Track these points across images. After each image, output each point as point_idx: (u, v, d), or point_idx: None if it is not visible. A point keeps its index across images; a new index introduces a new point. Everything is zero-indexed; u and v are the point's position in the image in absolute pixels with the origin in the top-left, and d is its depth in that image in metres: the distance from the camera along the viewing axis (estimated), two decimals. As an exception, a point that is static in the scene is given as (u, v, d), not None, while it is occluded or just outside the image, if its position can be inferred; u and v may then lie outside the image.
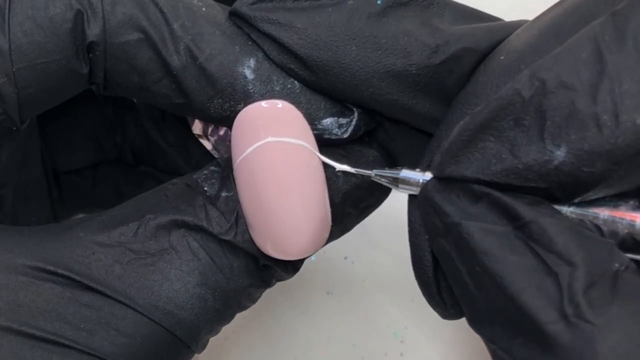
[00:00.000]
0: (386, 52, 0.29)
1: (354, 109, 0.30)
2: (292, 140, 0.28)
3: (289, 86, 0.29)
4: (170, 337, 0.28)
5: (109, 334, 0.27)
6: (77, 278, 0.27)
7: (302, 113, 0.29)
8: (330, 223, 0.30)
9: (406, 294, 0.43)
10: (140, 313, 0.28)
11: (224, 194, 0.29)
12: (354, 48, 0.29)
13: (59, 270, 0.27)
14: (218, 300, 0.29)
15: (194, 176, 0.30)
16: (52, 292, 0.27)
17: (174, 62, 0.28)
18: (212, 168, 0.30)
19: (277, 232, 0.28)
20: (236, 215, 0.29)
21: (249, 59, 0.29)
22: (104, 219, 0.29)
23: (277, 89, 0.29)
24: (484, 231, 0.25)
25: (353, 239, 0.42)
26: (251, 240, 0.29)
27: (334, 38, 0.29)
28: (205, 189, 0.29)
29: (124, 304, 0.28)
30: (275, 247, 0.29)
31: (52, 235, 0.28)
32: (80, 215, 0.38)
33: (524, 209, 0.25)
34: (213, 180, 0.30)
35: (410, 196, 0.29)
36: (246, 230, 0.29)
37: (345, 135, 0.30)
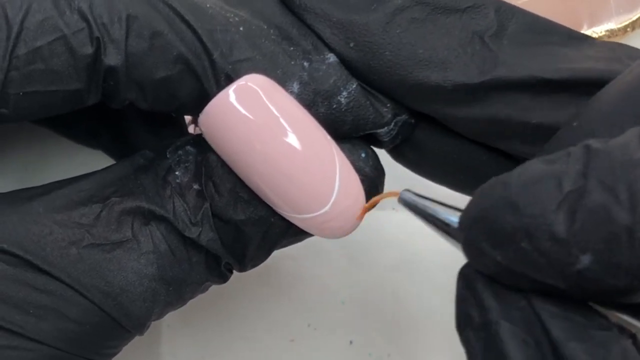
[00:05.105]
0: (420, 63, 0.27)
1: (395, 121, 0.29)
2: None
3: (335, 106, 0.28)
4: (117, 326, 0.28)
5: (58, 320, 0.27)
6: (31, 259, 0.26)
7: (347, 128, 0.28)
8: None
9: (390, 318, 0.41)
10: (91, 302, 0.27)
11: (195, 186, 0.28)
12: (387, 53, 0.27)
13: (13, 250, 0.26)
14: (172, 294, 0.28)
15: (167, 158, 0.29)
16: (3, 273, 0.26)
17: (214, 93, 0.27)
18: (188, 148, 0.29)
19: (290, 188, 0.27)
20: (203, 212, 0.28)
21: (292, 83, 0.28)
22: (67, 193, 0.28)
23: (322, 110, 0.28)
24: (523, 342, 0.22)
25: (332, 257, 0.41)
26: (216, 240, 0.28)
27: (368, 39, 0.27)
28: (177, 173, 0.28)
29: (76, 290, 0.27)
30: (296, 206, 0.27)
31: (10, 208, 0.27)
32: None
33: (558, 331, 0.22)
34: (187, 164, 0.28)
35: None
36: (211, 229, 0.28)
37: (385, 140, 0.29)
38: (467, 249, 0.24)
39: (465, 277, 0.24)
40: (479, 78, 0.27)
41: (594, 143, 0.22)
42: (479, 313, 0.23)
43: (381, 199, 0.28)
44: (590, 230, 0.21)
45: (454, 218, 0.25)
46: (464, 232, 0.24)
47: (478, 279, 0.24)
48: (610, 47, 0.28)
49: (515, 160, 0.29)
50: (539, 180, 0.22)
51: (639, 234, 0.20)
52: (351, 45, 0.28)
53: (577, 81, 0.27)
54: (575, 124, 0.25)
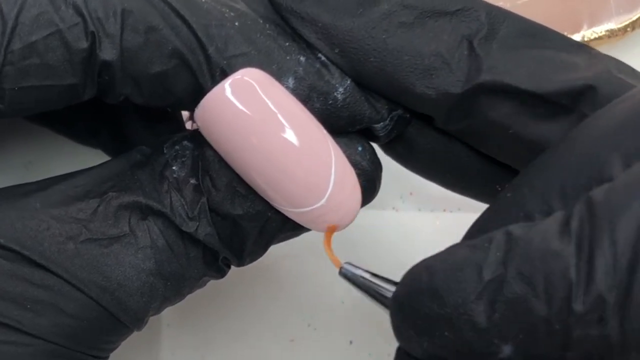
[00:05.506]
0: (406, 70, 0.27)
1: (390, 117, 0.29)
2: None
3: (330, 102, 0.28)
4: (115, 320, 0.28)
5: (55, 315, 0.27)
6: (28, 254, 0.26)
7: (343, 123, 0.28)
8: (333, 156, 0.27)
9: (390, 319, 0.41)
10: (89, 296, 0.27)
11: (192, 181, 0.28)
12: (372, 59, 0.27)
13: (10, 245, 0.26)
14: (169, 289, 0.28)
15: (164, 153, 0.29)
16: (0, 269, 0.26)
17: (209, 88, 0.27)
18: (185, 143, 0.29)
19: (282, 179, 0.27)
20: (200, 207, 0.28)
21: (288, 78, 0.28)
22: (64, 189, 0.28)
23: (317, 105, 0.28)
24: None
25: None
26: (213, 234, 0.28)
27: (352, 46, 0.27)
28: (174, 168, 0.28)
29: (73, 285, 0.27)
30: (291, 200, 0.27)
31: (6, 204, 0.27)
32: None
33: None
34: (184, 159, 0.28)
35: None
36: (208, 224, 0.28)
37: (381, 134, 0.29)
38: (396, 334, 0.24)
39: (400, 357, 0.24)
40: (463, 87, 0.27)
41: (515, 229, 0.22)
42: None
43: (328, 250, 0.29)
44: (509, 320, 0.21)
45: (391, 293, 0.25)
46: (391, 317, 0.24)
47: None
48: (601, 58, 0.28)
49: (502, 163, 0.29)
50: (461, 268, 0.22)
51: (556, 326, 0.20)
52: (336, 51, 0.28)
53: (559, 94, 0.26)
54: (509, 194, 0.25)
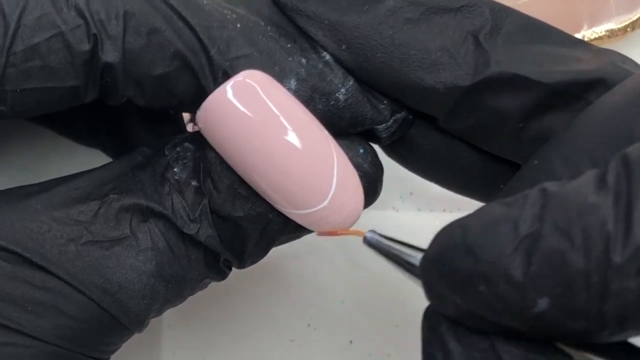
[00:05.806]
0: (413, 64, 0.27)
1: (394, 119, 0.29)
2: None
3: (332, 103, 0.28)
4: (115, 322, 0.28)
5: (56, 317, 0.27)
6: (29, 256, 0.26)
7: (345, 125, 0.28)
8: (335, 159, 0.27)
9: (390, 318, 0.41)
10: (90, 298, 0.27)
11: (193, 182, 0.28)
12: (379, 55, 0.27)
13: (11, 247, 0.26)
14: (170, 291, 0.28)
15: (166, 155, 0.29)
16: (1, 271, 0.26)
17: (211, 90, 0.27)
18: (186, 144, 0.29)
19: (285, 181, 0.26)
20: (201, 209, 0.28)
21: (290, 80, 0.28)
22: (65, 191, 0.28)
23: (319, 106, 0.28)
24: None
25: (332, 257, 0.41)
26: (214, 236, 0.28)
27: (360, 41, 0.27)
28: (175, 170, 0.28)
29: (74, 287, 0.27)
30: (294, 202, 0.27)
31: (7, 206, 0.27)
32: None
33: None
34: (185, 161, 0.28)
35: None
36: (210, 226, 0.28)
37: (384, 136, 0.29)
38: (428, 292, 0.24)
39: (429, 319, 0.24)
40: (472, 80, 0.27)
41: (550, 186, 0.22)
42: (442, 356, 0.23)
43: (345, 234, 0.28)
44: (546, 274, 0.21)
45: (417, 259, 0.25)
46: (423, 276, 0.24)
47: (441, 321, 0.24)
48: (603, 52, 0.28)
49: (504, 162, 0.29)
50: (496, 224, 0.22)
51: (594, 278, 0.20)
52: (343, 47, 0.28)
53: (568, 84, 0.27)
54: (535, 162, 0.25)
